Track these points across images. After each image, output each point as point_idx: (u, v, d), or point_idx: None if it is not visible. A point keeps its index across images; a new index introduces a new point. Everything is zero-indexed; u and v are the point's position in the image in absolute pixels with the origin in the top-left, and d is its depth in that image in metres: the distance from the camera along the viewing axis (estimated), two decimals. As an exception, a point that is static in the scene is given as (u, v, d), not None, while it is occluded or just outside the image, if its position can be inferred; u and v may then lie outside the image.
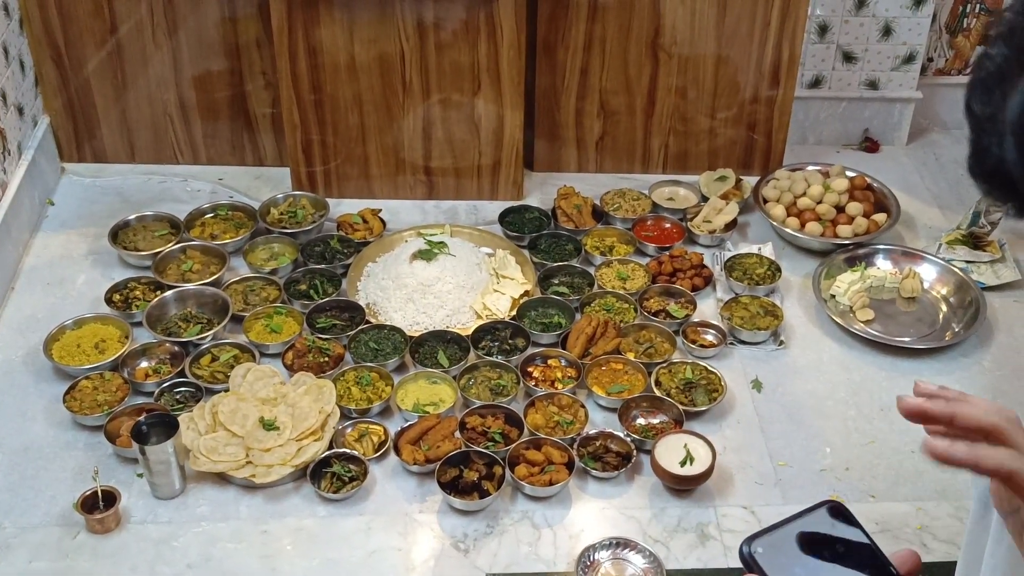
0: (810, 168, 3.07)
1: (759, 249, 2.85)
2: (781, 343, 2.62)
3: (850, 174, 3.02)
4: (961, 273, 2.76)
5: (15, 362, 2.51)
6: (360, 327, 2.56)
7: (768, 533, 0.82)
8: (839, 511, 0.84)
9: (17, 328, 2.60)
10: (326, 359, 2.46)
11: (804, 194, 2.94)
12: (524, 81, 2.89)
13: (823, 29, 3.18)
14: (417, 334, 2.55)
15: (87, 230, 2.91)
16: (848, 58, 3.24)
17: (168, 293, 2.62)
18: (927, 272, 2.79)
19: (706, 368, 2.48)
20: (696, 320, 2.63)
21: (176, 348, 2.49)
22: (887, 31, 3.18)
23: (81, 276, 2.77)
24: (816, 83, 3.28)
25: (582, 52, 2.96)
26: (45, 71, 2.99)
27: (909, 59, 3.24)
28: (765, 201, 2.98)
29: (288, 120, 2.92)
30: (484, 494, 2.17)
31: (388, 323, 2.58)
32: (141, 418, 2.20)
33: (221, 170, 3.16)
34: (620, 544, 2.10)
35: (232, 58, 3.00)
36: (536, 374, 2.47)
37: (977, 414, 0.91)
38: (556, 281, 2.75)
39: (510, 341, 2.56)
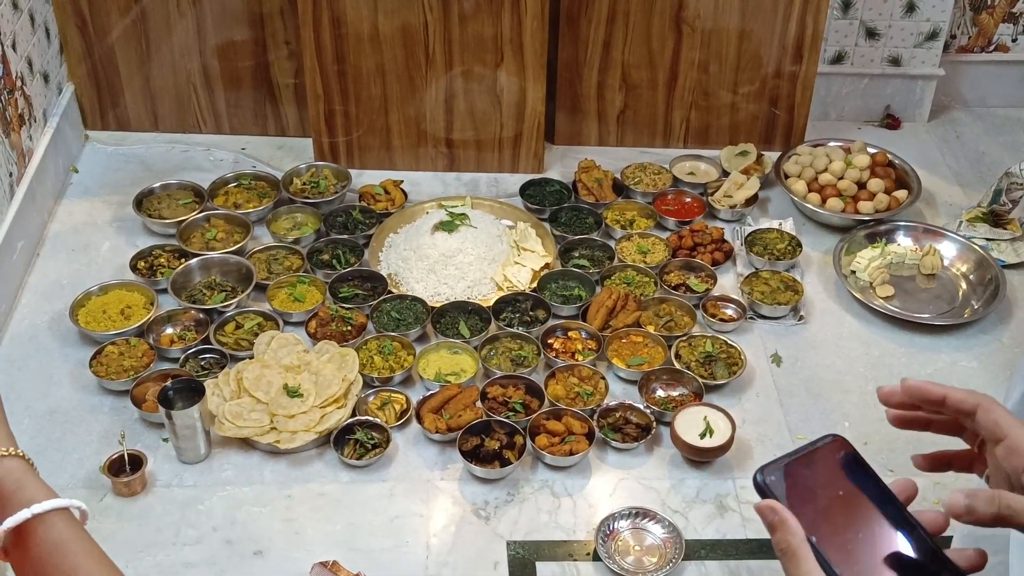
0: (831, 144, 3.07)
1: (780, 224, 2.86)
2: (801, 318, 2.63)
3: (871, 151, 3.02)
4: (981, 251, 2.76)
5: (41, 327, 2.54)
6: (382, 297, 2.58)
7: (779, 462, 0.87)
8: (843, 446, 0.90)
9: (42, 294, 2.63)
10: (349, 328, 2.48)
11: (825, 170, 2.94)
12: (547, 54, 2.89)
13: (846, 5, 3.17)
14: (439, 304, 2.57)
15: (111, 198, 2.93)
16: (871, 34, 3.23)
17: (192, 261, 2.64)
18: (947, 249, 2.79)
19: (726, 342, 2.49)
20: (716, 294, 2.64)
21: (201, 315, 2.51)
22: (910, 7, 3.17)
23: (105, 243, 2.79)
24: (839, 59, 3.27)
25: (605, 25, 2.96)
26: (70, 38, 3.00)
27: (932, 36, 3.22)
28: (786, 176, 2.98)
29: (311, 90, 2.93)
30: (505, 463, 2.19)
31: (410, 293, 2.60)
32: (168, 383, 2.22)
33: (244, 140, 3.18)
34: (639, 514, 2.12)
35: (256, 27, 3.00)
36: (557, 346, 2.49)
37: (963, 394, 0.93)
38: (576, 254, 2.76)
39: (531, 313, 2.57)
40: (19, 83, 2.71)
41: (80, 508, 1.05)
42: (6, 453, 1.05)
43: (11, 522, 1.01)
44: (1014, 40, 3.36)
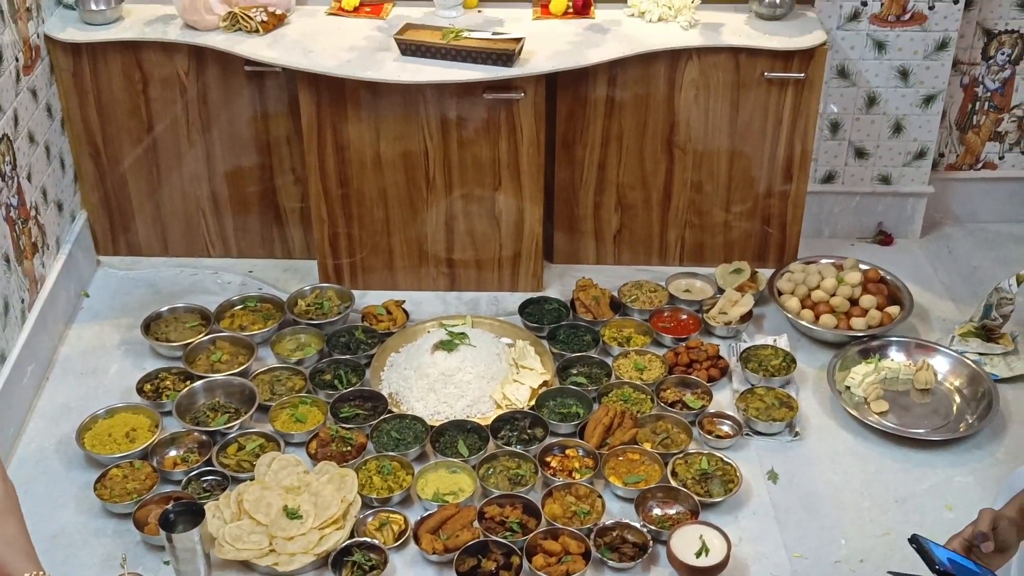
0: (824, 261, 3.13)
1: (774, 341, 2.91)
2: (796, 434, 2.66)
3: (864, 267, 3.08)
4: (974, 365, 2.80)
5: (48, 450, 2.59)
6: (382, 416, 2.62)
7: None
8: None
9: (51, 417, 2.68)
10: (349, 448, 2.52)
11: (818, 287, 3.00)
12: (543, 176, 2.98)
13: (835, 126, 3.27)
14: (438, 423, 2.60)
15: (120, 321, 3.00)
16: (860, 154, 3.32)
17: (197, 383, 2.69)
18: (940, 364, 2.83)
19: (722, 459, 2.52)
20: (712, 411, 2.67)
21: (204, 437, 2.56)
22: (898, 128, 3.27)
23: (113, 366, 2.85)
24: (829, 178, 3.36)
25: (599, 148, 3.06)
26: (84, 168, 3.11)
27: (920, 155, 3.31)
28: (780, 293, 3.04)
29: (316, 214, 3.02)
30: (502, 583, 2.20)
31: (410, 412, 2.64)
32: (169, 506, 2.25)
33: (251, 263, 3.26)
34: (636, 635, 2.12)
35: (263, 154, 3.11)
36: (554, 464, 2.51)
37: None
38: (574, 371, 2.80)
39: (529, 431, 2.61)
40: (33, 212, 2.81)
41: None
42: None
43: None
44: (1001, 158, 3.45)
